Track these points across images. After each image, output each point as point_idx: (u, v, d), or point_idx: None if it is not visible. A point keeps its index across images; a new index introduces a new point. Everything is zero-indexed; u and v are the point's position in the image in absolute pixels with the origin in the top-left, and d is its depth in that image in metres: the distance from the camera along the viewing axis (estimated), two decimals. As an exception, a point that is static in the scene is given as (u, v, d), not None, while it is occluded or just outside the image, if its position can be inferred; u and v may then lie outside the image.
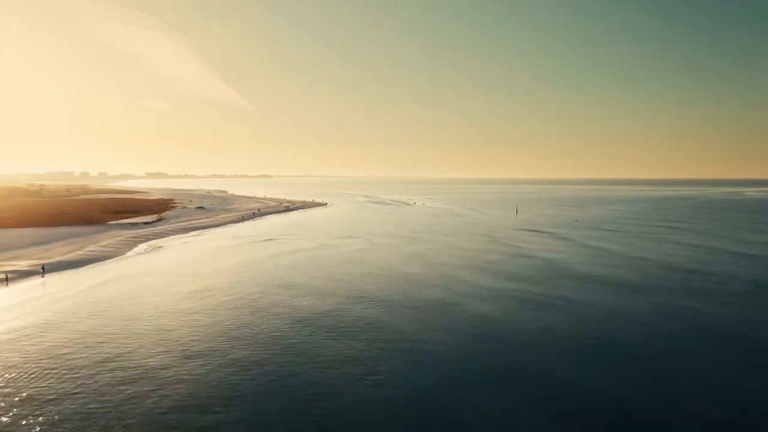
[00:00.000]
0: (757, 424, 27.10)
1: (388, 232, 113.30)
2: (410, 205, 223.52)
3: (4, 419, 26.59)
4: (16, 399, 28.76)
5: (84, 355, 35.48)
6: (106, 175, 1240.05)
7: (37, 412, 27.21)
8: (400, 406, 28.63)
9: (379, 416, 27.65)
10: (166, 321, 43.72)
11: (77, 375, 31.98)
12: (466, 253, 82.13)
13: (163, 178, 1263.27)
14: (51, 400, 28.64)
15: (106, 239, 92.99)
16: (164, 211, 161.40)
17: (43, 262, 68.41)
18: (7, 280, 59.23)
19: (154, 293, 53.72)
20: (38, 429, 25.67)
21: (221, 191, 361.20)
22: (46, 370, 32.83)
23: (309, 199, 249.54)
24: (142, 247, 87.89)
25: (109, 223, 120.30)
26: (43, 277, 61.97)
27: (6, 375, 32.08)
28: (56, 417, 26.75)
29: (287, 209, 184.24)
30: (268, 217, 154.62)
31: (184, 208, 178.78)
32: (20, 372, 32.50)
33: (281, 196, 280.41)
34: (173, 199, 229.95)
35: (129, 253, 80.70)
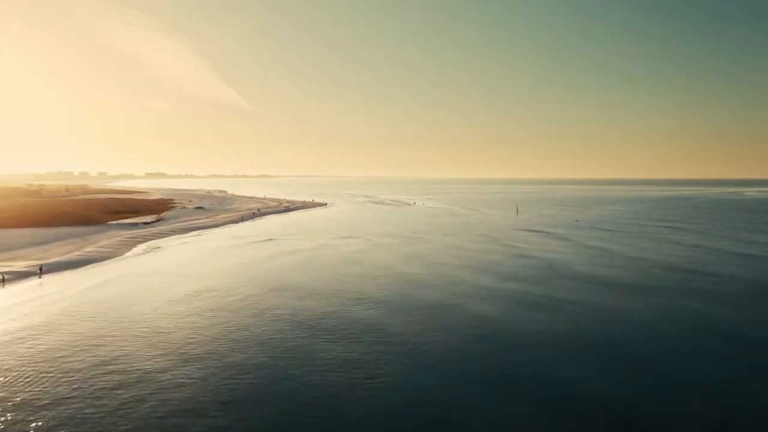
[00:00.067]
0: (757, 424, 27.05)
1: (388, 232, 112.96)
2: (410, 205, 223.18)
3: (-1, 423, 26.26)
4: (10, 404, 28.36)
5: (80, 358, 35.10)
6: (105, 175, 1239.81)
7: (32, 417, 26.83)
8: (400, 407, 28.37)
9: (379, 417, 27.42)
10: (164, 323, 43.36)
11: (73, 378, 31.60)
12: (466, 254, 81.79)
13: (163, 178, 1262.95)
14: (46, 404, 28.26)
15: (104, 239, 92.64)
16: (163, 211, 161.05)
17: (41, 262, 68.06)
18: (3, 281, 58.86)
19: (153, 294, 53.36)
20: (33, 433, 25.34)
21: (221, 191, 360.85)
22: (41, 373, 32.45)
23: (309, 199, 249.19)
24: (141, 247, 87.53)
25: (108, 223, 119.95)
26: (40, 277, 61.60)
27: (0, 379, 31.72)
28: (51, 422, 26.37)
29: (287, 209, 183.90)
30: (267, 217, 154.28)
31: (184, 208, 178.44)
32: (15, 375, 32.10)
33: (281, 196, 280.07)
34: (173, 199, 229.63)
35: (128, 254, 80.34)
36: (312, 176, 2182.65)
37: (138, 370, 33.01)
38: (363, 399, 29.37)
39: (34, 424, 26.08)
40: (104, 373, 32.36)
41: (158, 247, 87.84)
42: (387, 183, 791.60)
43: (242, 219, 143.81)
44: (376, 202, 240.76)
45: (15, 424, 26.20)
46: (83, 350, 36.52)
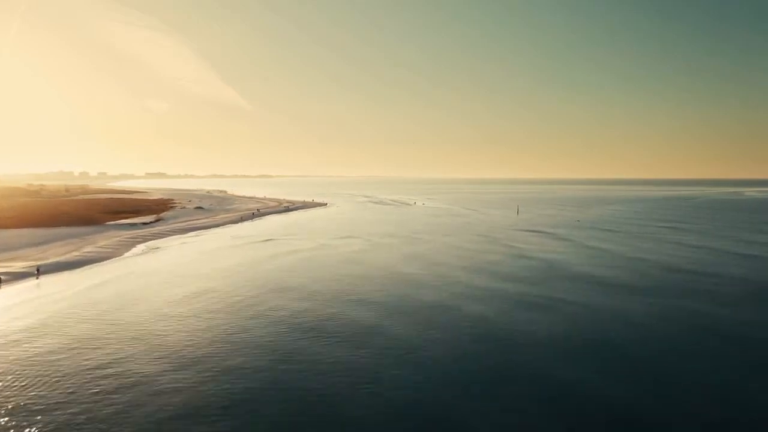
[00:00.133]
0: (757, 424, 27.05)
1: (388, 232, 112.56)
2: (410, 205, 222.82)
3: (-8, 428, 25.85)
4: (3, 409, 27.87)
5: (76, 361, 34.65)
6: (105, 175, 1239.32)
7: (26, 423, 26.39)
8: (399, 407, 28.15)
9: (380, 418, 27.23)
10: (162, 325, 42.93)
11: (69, 383, 31.14)
12: (467, 254, 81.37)
13: (163, 178, 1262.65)
14: (40, 409, 27.80)
15: (103, 240, 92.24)
16: (163, 211, 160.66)
17: (38, 263, 67.64)
18: (0, 282, 58.41)
19: (151, 296, 52.95)
20: (26, 439, 24.95)
21: (221, 191, 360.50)
22: (36, 377, 31.98)
23: (309, 199, 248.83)
24: (140, 248, 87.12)
25: (108, 223, 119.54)
26: (38, 278, 61.18)
27: (-4, 381, 31.29)
28: (46, 428, 25.92)
29: (287, 209, 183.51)
30: (267, 217, 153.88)
31: (183, 208, 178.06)
32: (9, 379, 31.61)
33: (281, 196, 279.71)
34: (172, 200, 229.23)
35: (126, 254, 79.93)
36: (312, 176, 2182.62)
37: (135, 373, 32.58)
38: (363, 400, 28.98)
39: (27, 430, 25.67)
40: (101, 377, 31.93)
41: (157, 248, 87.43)
42: (387, 183, 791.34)
43: (242, 219, 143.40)
44: (376, 202, 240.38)
45: (8, 430, 25.78)
46: (79, 353, 36.10)
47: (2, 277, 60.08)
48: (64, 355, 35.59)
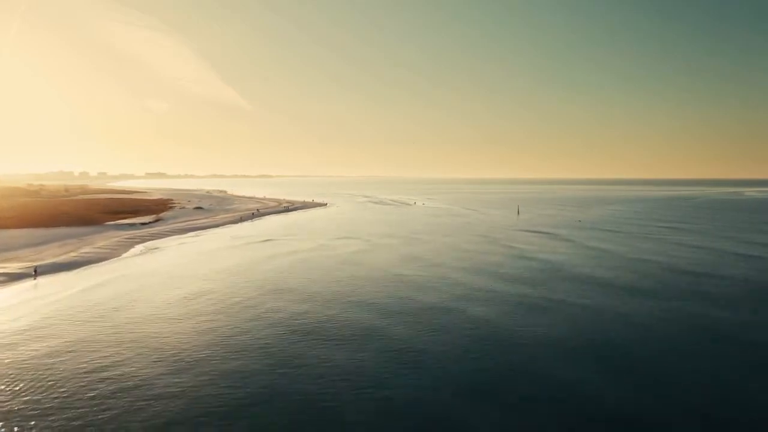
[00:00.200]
0: (757, 425, 27.05)
1: (388, 232, 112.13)
2: (410, 205, 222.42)
3: (-15, 434, 25.41)
4: (-1, 411, 27.49)
5: (71, 364, 34.17)
6: (105, 175, 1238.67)
7: (19, 428, 25.92)
8: (400, 411, 27.76)
9: (380, 421, 26.99)
10: (159, 327, 42.47)
11: (64, 386, 30.66)
12: (467, 255, 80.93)
13: (163, 178, 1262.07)
14: (34, 414, 27.33)
15: (102, 240, 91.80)
16: (162, 211, 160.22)
17: (36, 263, 67.20)
18: (-2, 283, 57.96)
19: (148, 297, 52.50)
20: (20, 444, 24.50)
21: (221, 191, 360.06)
22: (31, 381, 31.51)
23: (309, 200, 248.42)
24: (139, 248, 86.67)
25: (107, 223, 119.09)
26: (35, 279, 60.72)
27: (-10, 385, 30.84)
28: None
29: (287, 209, 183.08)
30: (267, 217, 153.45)
31: (183, 208, 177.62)
32: (2, 383, 31.09)
33: (281, 197, 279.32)
34: (172, 200, 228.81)
35: (125, 255, 79.48)
36: (312, 176, 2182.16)
37: (132, 377, 32.13)
38: (363, 403, 28.54)
39: (21, 435, 25.23)
40: (97, 381, 31.47)
41: (156, 248, 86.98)
42: (387, 183, 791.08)
43: (241, 219, 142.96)
44: (376, 202, 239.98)
45: (2, 434, 25.36)
46: (75, 356, 35.62)
47: (0, 278, 59.68)
48: (59, 358, 35.13)
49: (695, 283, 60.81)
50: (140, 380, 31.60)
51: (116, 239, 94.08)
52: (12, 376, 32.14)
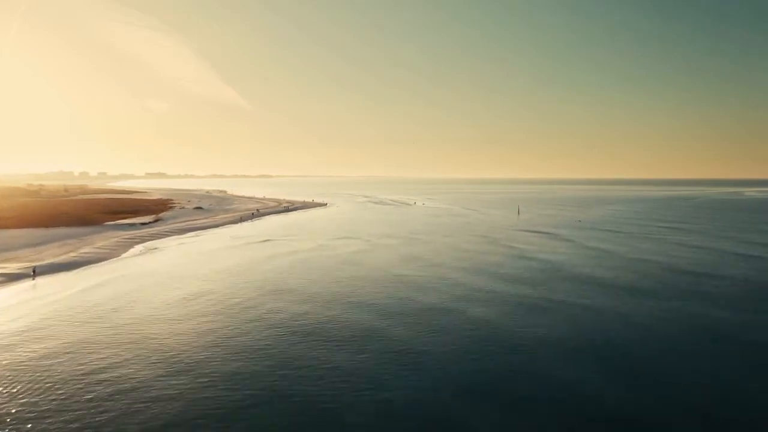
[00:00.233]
0: (757, 425, 27.09)
1: (388, 232, 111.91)
2: (410, 205, 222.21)
3: (-18, 436, 25.18)
4: (-4, 414, 27.26)
5: (70, 366, 33.92)
6: (105, 175, 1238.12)
7: (15, 431, 25.74)
8: (401, 412, 27.58)
9: (381, 423, 26.83)
10: (157, 328, 42.24)
11: (61, 388, 30.42)
12: (467, 255, 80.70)
13: (163, 178, 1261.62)
14: (31, 417, 27.07)
15: (101, 240, 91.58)
16: (162, 211, 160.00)
17: (34, 264, 66.96)
18: (-3, 283, 57.74)
19: (147, 298, 52.26)
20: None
21: (221, 191, 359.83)
22: (28, 382, 31.23)
23: (309, 200, 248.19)
24: (138, 248, 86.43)
25: (106, 223, 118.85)
26: (33, 279, 60.51)
27: (-13, 387, 30.59)
28: (36, 434, 25.31)
29: (287, 209, 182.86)
30: (267, 217, 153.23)
31: (183, 208, 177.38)
32: None
33: (281, 197, 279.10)
34: (172, 200, 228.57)
35: (124, 255, 79.25)
36: (312, 176, 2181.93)
37: (131, 378, 31.89)
38: (364, 405, 28.33)
39: (18, 437, 25.01)
40: (95, 382, 31.22)
41: (155, 248, 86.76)
42: (387, 183, 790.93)
43: (241, 219, 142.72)
44: (376, 202, 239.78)
45: (-1, 436, 25.13)
46: (73, 357, 35.38)
47: (-2, 278, 59.41)
48: (57, 360, 34.89)
49: (695, 283, 60.65)
50: (138, 382, 31.38)
51: (115, 239, 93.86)
52: (9, 377, 31.90)
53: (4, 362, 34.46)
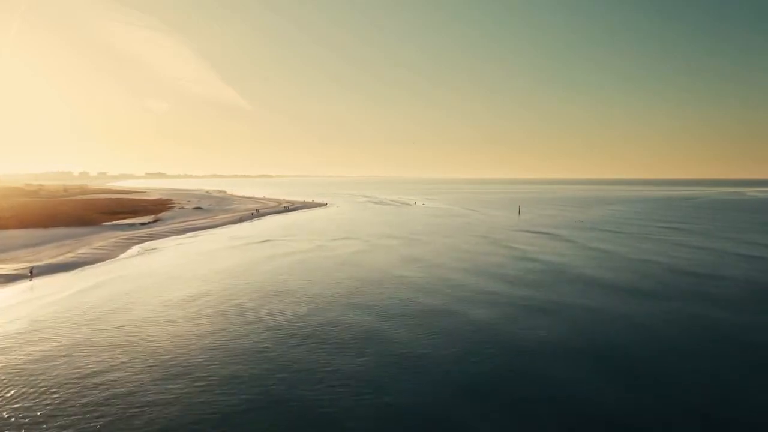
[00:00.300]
0: (757, 425, 27.03)
1: (388, 233, 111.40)
2: (410, 205, 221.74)
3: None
4: (-11, 418, 26.75)
5: (65, 369, 33.38)
6: (105, 175, 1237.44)
7: (10, 434, 25.25)
8: (402, 416, 27.19)
9: (381, 428, 26.42)
10: (154, 331, 41.72)
11: (56, 393, 29.89)
12: (468, 256, 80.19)
13: (163, 178, 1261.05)
14: (25, 423, 26.55)
15: (99, 241, 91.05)
16: (161, 211, 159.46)
17: (32, 264, 66.45)
18: (-7, 284, 57.22)
19: (144, 299, 51.74)
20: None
21: (220, 191, 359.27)
22: (22, 386, 30.70)
23: (309, 200, 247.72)
24: (136, 249, 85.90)
25: (104, 224, 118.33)
26: (30, 280, 59.99)
27: (-19, 391, 30.06)
28: (30, 439, 24.78)
29: (286, 210, 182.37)
30: (266, 217, 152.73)
31: (182, 208, 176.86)
32: (-4, 387, 30.47)
33: (281, 197, 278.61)
34: (171, 200, 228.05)
35: (122, 256, 78.73)
36: (312, 176, 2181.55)
37: (127, 382, 31.38)
38: (364, 410, 27.85)
39: (11, 443, 24.50)
40: (91, 386, 30.71)
41: (154, 249, 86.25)
42: (387, 183, 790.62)
43: (241, 220, 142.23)
44: (376, 203, 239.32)
45: (-9, 442, 24.62)
46: (69, 360, 34.85)
47: (-6, 279, 58.89)
48: (52, 363, 34.36)
49: (696, 283, 60.21)
50: (135, 386, 30.86)
51: (114, 240, 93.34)
52: (3, 381, 31.37)
53: (-2, 365, 33.93)
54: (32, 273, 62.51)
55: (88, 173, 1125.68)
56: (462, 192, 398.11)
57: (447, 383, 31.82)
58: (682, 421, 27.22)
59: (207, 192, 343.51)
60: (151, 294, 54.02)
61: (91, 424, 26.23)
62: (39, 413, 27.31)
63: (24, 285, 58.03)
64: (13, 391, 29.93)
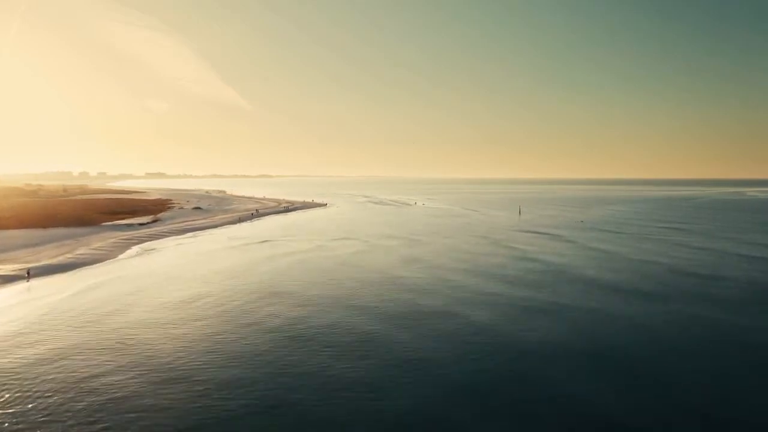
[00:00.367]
0: (757, 425, 26.99)
1: (388, 233, 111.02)
2: (410, 205, 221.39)
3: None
4: (-18, 423, 26.35)
5: (60, 373, 32.91)
6: (105, 175, 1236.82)
7: (3, 439, 24.86)
8: (402, 421, 26.75)
9: (381, 426, 26.23)
10: (152, 333, 41.30)
11: (51, 398, 29.43)
12: (468, 257, 79.79)
13: (163, 178, 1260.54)
14: (18, 429, 26.15)
15: (98, 241, 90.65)
16: (161, 211, 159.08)
17: (29, 265, 66.04)
18: (-10, 286, 56.82)
19: (142, 301, 51.33)
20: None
21: (220, 191, 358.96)
22: (16, 391, 30.22)
23: (308, 200, 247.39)
24: (135, 249, 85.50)
25: (104, 224, 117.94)
26: (28, 281, 59.59)
27: (-25, 395, 29.66)
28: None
29: (286, 210, 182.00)
30: (266, 217, 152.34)
31: (181, 208, 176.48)
32: (-9, 391, 30.06)
33: (280, 197, 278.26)
34: (171, 200, 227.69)
35: (121, 256, 78.33)
36: (312, 176, 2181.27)
37: (123, 387, 30.94)
38: (365, 414, 27.46)
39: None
40: (86, 391, 30.27)
41: (153, 249, 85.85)
42: (387, 183, 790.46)
43: (240, 220, 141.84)
44: (376, 203, 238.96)
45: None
46: (65, 364, 34.40)
47: (-9, 280, 58.50)
48: (47, 367, 33.92)
49: (696, 284, 59.91)
50: (132, 390, 30.45)
51: (113, 240, 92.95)
52: (-2, 385, 30.98)
53: (-7, 368, 33.52)
54: (29, 274, 62.11)
55: (87, 173, 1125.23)
56: (462, 192, 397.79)
57: (447, 384, 31.49)
58: (682, 421, 27.19)
59: (207, 192, 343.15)
60: (150, 295, 53.62)
61: (86, 430, 25.82)
62: (33, 418, 26.90)
63: (21, 286, 57.61)
64: (7, 396, 29.51)
